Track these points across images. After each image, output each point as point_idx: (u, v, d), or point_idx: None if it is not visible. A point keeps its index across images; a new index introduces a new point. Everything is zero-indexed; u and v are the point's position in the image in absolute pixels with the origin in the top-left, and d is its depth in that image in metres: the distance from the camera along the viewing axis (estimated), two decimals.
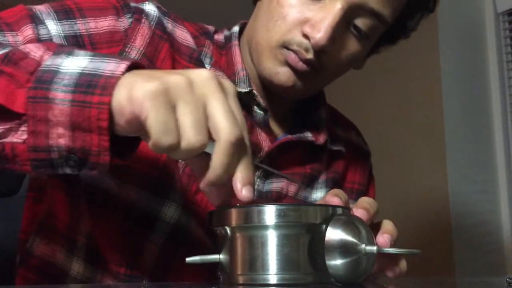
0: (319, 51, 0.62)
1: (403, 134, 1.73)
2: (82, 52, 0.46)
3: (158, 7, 0.67)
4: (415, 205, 1.68)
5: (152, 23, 0.64)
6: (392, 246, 0.49)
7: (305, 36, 0.62)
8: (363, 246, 0.41)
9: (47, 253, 0.67)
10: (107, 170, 0.45)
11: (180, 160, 0.63)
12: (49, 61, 0.45)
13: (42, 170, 0.45)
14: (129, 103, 0.41)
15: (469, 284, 0.62)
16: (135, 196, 0.62)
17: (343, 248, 0.41)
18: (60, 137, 0.43)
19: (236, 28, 0.71)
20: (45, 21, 0.60)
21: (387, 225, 0.52)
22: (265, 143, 0.68)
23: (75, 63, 0.44)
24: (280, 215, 0.41)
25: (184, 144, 0.41)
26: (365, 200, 0.50)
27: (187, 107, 0.41)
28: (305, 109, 0.74)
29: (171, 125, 0.41)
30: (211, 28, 0.72)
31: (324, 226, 0.42)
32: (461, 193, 1.62)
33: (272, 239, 0.41)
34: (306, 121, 0.74)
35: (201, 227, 0.65)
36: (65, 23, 0.61)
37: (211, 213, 0.46)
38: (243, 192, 0.43)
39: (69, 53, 0.46)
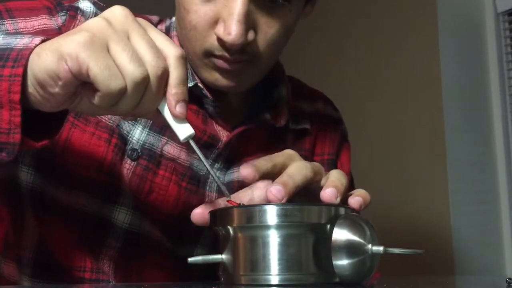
0: (240, 48, 0.59)
1: (403, 134, 1.73)
2: None
3: (94, 3, 0.66)
4: (415, 205, 1.68)
5: (89, 19, 0.63)
6: (363, 208, 0.50)
7: (220, 39, 0.59)
8: (369, 246, 0.41)
9: (10, 273, 0.66)
10: (17, 152, 0.42)
11: (128, 160, 0.62)
12: None
13: None
14: (61, 62, 0.39)
15: (469, 284, 0.62)
16: (85, 202, 0.61)
17: (350, 249, 0.41)
18: None
19: (173, 18, 0.69)
20: None
21: (359, 191, 0.52)
22: (223, 133, 0.67)
23: None
24: (282, 214, 0.41)
25: (129, 82, 0.40)
26: (333, 176, 0.50)
27: (118, 45, 0.41)
28: (265, 88, 0.72)
29: (113, 68, 0.40)
30: (154, 18, 0.70)
31: (328, 226, 0.42)
32: (461, 193, 1.62)
33: (274, 239, 0.41)
34: (266, 102, 0.71)
35: (157, 228, 0.63)
36: None
37: (213, 212, 0.46)
38: (177, 109, 0.42)
39: None
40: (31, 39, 0.43)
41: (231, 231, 0.43)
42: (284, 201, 0.44)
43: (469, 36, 1.73)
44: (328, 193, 0.47)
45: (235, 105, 0.70)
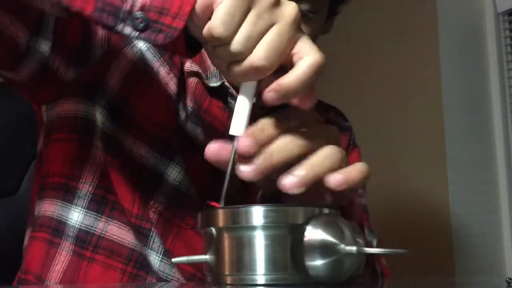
0: None
1: (403, 134, 1.72)
2: None
3: None
4: (415, 205, 1.68)
5: None
6: (347, 190, 0.46)
7: None
8: (342, 246, 0.41)
9: (46, 209, 0.68)
10: (171, 39, 0.44)
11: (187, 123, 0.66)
12: None
13: (103, 15, 0.44)
14: None
15: (469, 284, 0.62)
16: (145, 154, 0.64)
17: (322, 249, 0.41)
18: None
19: None
20: None
21: (346, 169, 0.48)
22: None
23: None
24: (266, 215, 0.42)
25: (231, 45, 0.42)
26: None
27: (257, 19, 0.42)
28: None
29: (234, 20, 0.41)
30: None
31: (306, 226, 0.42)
32: (461, 193, 1.62)
33: (259, 239, 0.42)
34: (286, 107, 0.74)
35: (200, 196, 0.66)
36: None
37: (199, 214, 0.46)
38: (267, 94, 0.44)
39: None
40: None
41: (215, 232, 0.44)
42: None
43: (469, 36, 1.73)
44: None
45: (258, 106, 0.73)
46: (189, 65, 0.68)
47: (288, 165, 0.46)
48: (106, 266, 0.64)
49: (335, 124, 0.82)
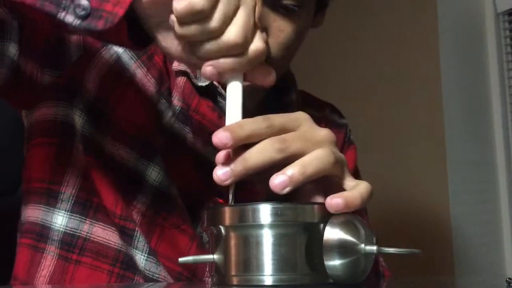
0: None
1: (403, 134, 1.72)
2: None
3: None
4: (415, 205, 1.68)
5: None
6: (342, 209, 0.43)
7: None
8: (362, 246, 0.40)
9: (30, 214, 0.68)
10: (111, 27, 0.44)
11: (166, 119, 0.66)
12: None
13: (45, 4, 0.44)
14: None
15: (469, 284, 0.62)
16: (125, 155, 0.65)
17: (342, 248, 0.40)
18: None
19: None
20: None
21: (352, 189, 0.46)
22: None
23: None
24: (276, 214, 0.41)
25: (211, 21, 0.43)
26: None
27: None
28: (276, 95, 0.75)
29: None
30: None
31: (321, 225, 0.41)
32: (461, 193, 1.62)
33: (267, 238, 0.41)
34: (277, 106, 0.74)
35: (181, 197, 0.66)
36: None
37: (205, 212, 0.45)
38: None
39: None
40: None
41: (223, 231, 0.43)
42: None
43: (469, 36, 1.73)
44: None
45: (248, 107, 0.72)
46: (176, 65, 0.67)
47: (268, 170, 0.44)
48: (93, 268, 0.64)
49: (329, 120, 0.82)
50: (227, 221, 0.42)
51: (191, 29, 0.44)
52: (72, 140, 0.65)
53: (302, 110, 0.75)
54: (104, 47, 0.66)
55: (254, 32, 0.46)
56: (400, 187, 1.70)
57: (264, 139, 0.44)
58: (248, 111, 0.72)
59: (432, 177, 1.63)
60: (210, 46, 0.44)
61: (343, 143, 0.83)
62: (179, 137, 0.67)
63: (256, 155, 0.44)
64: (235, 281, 0.42)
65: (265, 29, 0.62)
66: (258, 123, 0.45)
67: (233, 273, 0.42)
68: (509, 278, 0.46)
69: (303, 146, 0.45)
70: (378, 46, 1.81)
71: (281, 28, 0.63)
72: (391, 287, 0.56)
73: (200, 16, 0.43)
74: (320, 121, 0.79)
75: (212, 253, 0.44)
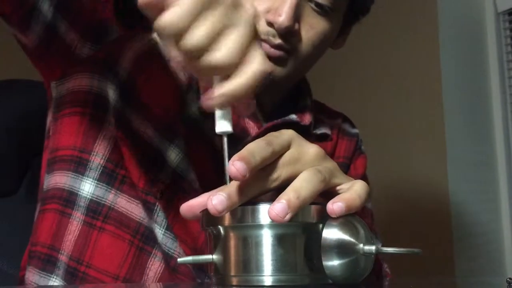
0: (286, 33, 0.65)
1: (403, 133, 1.72)
2: None
3: None
4: (415, 205, 1.68)
5: None
6: (345, 212, 0.42)
7: (270, 23, 0.65)
8: (361, 246, 0.40)
9: (57, 180, 0.69)
10: None
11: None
12: None
13: None
14: None
15: (469, 284, 0.62)
16: (151, 134, 0.66)
17: (340, 248, 0.40)
18: None
19: None
20: None
21: (344, 195, 0.45)
22: (253, 130, 0.71)
23: None
24: None
25: (188, 39, 0.41)
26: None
27: (215, 16, 0.41)
28: (291, 99, 0.78)
29: (193, 13, 0.40)
30: None
31: (320, 226, 0.41)
32: (461, 193, 1.62)
33: (267, 239, 0.41)
34: (292, 108, 0.77)
35: (202, 183, 0.67)
36: None
37: (204, 213, 0.45)
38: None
39: None
40: None
41: (222, 231, 0.43)
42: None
43: (469, 36, 1.73)
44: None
45: (265, 106, 0.75)
46: None
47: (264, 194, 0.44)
48: (115, 236, 0.66)
49: (341, 128, 0.84)
50: (226, 221, 0.42)
51: (178, 45, 0.43)
52: (105, 113, 0.68)
53: (315, 116, 0.79)
54: (144, 32, 0.67)
55: (249, 53, 0.43)
56: (401, 186, 1.70)
57: (268, 163, 0.44)
58: (264, 109, 0.74)
59: (433, 177, 1.63)
60: (200, 62, 0.43)
61: (354, 151, 0.85)
62: (201, 129, 0.69)
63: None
64: (234, 281, 0.42)
65: (296, 20, 0.65)
66: (265, 149, 0.44)
67: (232, 273, 0.42)
68: (510, 278, 0.46)
69: (293, 170, 0.45)
70: (378, 46, 1.81)
71: (313, 25, 0.68)
72: (391, 287, 0.56)
73: (176, 32, 0.41)
74: (332, 128, 0.82)
75: (211, 253, 0.44)
